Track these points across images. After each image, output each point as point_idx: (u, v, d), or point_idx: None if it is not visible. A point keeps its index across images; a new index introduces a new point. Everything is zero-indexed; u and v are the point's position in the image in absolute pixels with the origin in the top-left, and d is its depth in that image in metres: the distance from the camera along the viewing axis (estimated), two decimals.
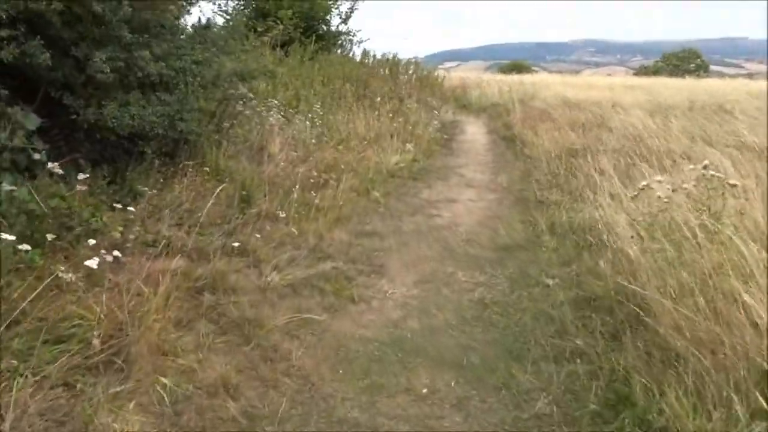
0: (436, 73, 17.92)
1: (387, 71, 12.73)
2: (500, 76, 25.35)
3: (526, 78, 22.93)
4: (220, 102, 6.39)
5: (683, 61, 64.79)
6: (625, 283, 3.08)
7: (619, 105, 11.00)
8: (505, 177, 6.96)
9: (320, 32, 13.72)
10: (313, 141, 7.43)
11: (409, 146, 8.31)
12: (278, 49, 10.90)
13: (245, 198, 5.14)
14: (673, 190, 3.11)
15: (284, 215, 4.88)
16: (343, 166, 6.49)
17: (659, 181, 3.16)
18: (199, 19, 6.71)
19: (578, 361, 2.76)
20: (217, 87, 6.14)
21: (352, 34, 15.42)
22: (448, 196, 6.22)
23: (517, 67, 49.77)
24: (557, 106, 11.46)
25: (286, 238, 4.50)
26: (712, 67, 72.68)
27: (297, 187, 5.37)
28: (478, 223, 5.28)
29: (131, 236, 4.09)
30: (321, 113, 8.67)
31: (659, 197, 3.12)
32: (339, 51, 14.87)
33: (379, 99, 10.41)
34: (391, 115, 9.56)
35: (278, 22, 11.80)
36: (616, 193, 4.48)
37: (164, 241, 4.15)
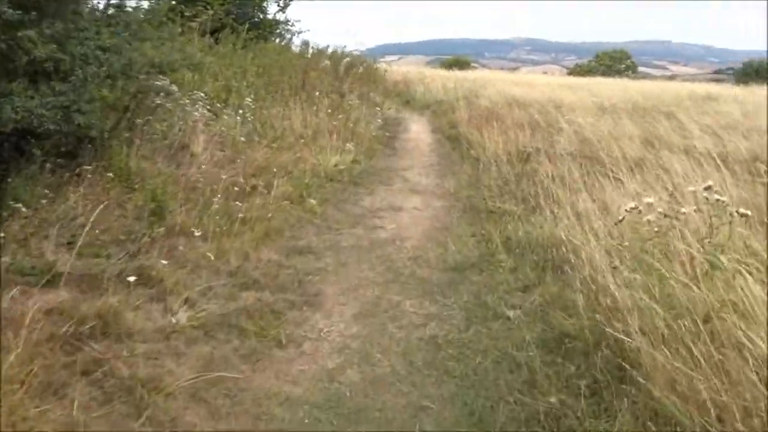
0: (377, 66, 17.36)
1: (328, 63, 12.03)
2: (443, 72, 25.07)
3: (469, 74, 22.73)
4: (134, 95, 5.58)
5: (615, 61, 67.24)
6: (604, 323, 2.60)
7: (564, 105, 10.78)
8: (452, 182, 6.47)
9: (255, 20, 12.87)
10: (243, 139, 6.69)
11: (349, 146, 7.69)
12: (208, 36, 10.02)
13: (156, 209, 4.38)
14: (665, 215, 2.65)
15: (201, 232, 4.17)
16: (275, 169, 5.80)
17: (649, 204, 2.69)
18: None
19: (556, 429, 2.25)
20: (130, 78, 5.35)
21: (290, 23, 14.63)
22: (392, 204, 5.65)
23: (458, 63, 49.96)
24: (502, 105, 11.12)
25: (202, 261, 3.80)
26: (640, 68, 75.51)
27: (219, 196, 4.66)
28: (426, 236, 4.73)
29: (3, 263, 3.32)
30: (253, 107, 7.91)
31: (648, 221, 2.65)
32: (278, 41, 14.08)
33: (318, 93, 9.72)
34: (330, 110, 8.90)
35: (208, 6, 10.89)
36: (582, 210, 4.04)
37: (47, 267, 3.39)
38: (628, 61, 67.02)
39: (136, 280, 3.44)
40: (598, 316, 2.65)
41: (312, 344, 2.99)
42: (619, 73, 60.27)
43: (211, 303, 3.28)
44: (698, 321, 2.24)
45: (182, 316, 3.04)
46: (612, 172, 5.40)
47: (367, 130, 8.84)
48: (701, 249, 2.42)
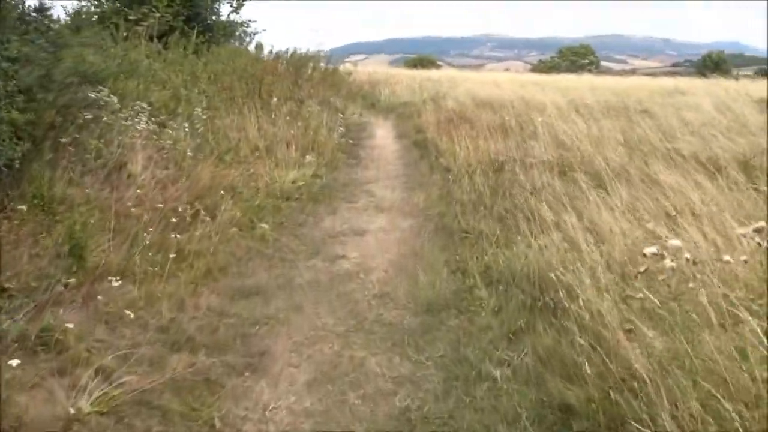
0: (342, 67, 16.67)
1: (286, 67, 11.34)
2: (408, 71, 24.59)
3: (434, 73, 22.26)
4: (59, 110, 4.89)
5: (578, 56, 67.98)
6: (619, 399, 2.07)
7: (536, 105, 10.36)
8: (421, 196, 5.90)
9: (208, 22, 12.14)
10: (191, 154, 6.01)
11: (309, 157, 7.08)
12: (155, 40, 9.30)
13: (76, 248, 3.71)
14: (694, 263, 2.13)
15: (129, 274, 3.52)
16: (223, 190, 5.16)
17: (677, 247, 2.15)
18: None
19: None
20: (51, 91, 4.68)
21: (245, 25, 13.92)
22: (356, 226, 5.06)
23: (423, 62, 49.61)
24: (471, 107, 10.63)
25: (126, 313, 3.15)
26: (602, 63, 76.17)
27: (153, 227, 4.01)
28: (394, 265, 4.16)
29: None
30: (204, 117, 7.24)
31: (672, 269, 2.12)
32: (237, 43, 13.40)
33: (275, 99, 9.07)
34: (289, 118, 8.26)
35: (154, 9, 10.13)
36: (570, 231, 3.52)
37: None
38: (591, 56, 67.82)
39: (38, 344, 2.82)
40: (611, 392, 2.11)
41: (254, 427, 2.39)
42: (582, 68, 60.90)
43: (130, 373, 2.65)
44: (747, 405, 1.73)
45: (85, 402, 2.39)
46: (598, 183, 4.93)
47: (329, 138, 8.24)
48: (750, 309, 1.90)
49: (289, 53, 12.36)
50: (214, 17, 12.54)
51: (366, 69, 24.64)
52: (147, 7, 10.20)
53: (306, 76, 11.12)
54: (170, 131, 6.37)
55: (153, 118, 6.29)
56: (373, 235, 4.82)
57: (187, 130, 6.52)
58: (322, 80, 11.51)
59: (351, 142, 9.14)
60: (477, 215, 4.93)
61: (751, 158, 5.55)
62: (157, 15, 9.78)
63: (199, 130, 6.84)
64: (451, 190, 5.85)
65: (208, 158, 6.00)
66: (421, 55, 55.78)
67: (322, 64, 13.14)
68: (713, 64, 60.66)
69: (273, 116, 8.44)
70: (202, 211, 4.51)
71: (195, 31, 10.57)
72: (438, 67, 49.16)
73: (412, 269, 4.02)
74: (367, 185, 6.54)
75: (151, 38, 9.05)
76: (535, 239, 3.85)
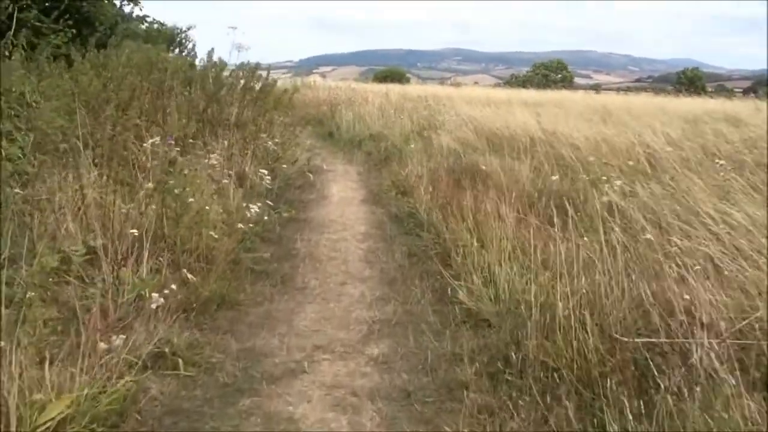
0: (300, 81, 12.72)
1: (188, 86, 7.30)
2: (378, 86, 20.80)
3: (410, 89, 18.48)
4: None
5: (552, 71, 66.07)
6: None
7: (585, 146, 6.58)
8: None
9: (80, 13, 8.17)
10: None
11: (158, 297, 3.11)
12: None
13: None
14: None
15: None
16: None
17: None
18: None
19: None
20: None
21: (150, 20, 10.00)
22: None
23: (392, 75, 46.25)
24: (479, 148, 6.83)
25: None
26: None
27: None
28: None
29: None
30: None
31: None
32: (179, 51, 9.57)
33: (151, 143, 5.06)
34: (152, 185, 4.27)
35: None
36: None
37: None
38: (565, 71, 65.74)
39: None
40: None
41: None
42: (555, 83, 58.62)
43: None
44: None
45: None
46: None
47: (235, 218, 4.28)
48: None
49: (206, 62, 8.25)
50: (92, 7, 8.56)
51: (329, 83, 20.86)
52: None
53: (224, 98, 7.09)
54: None
55: None
56: None
57: None
58: (251, 102, 7.49)
59: (285, 215, 5.20)
60: None
61: None
62: None
63: None
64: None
65: None
66: (391, 68, 52.48)
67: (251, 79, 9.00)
68: (687, 80, 59.22)
69: (141, 180, 4.49)
70: None
71: (66, 29, 6.82)
72: (407, 80, 46.04)
73: None
74: (300, 388, 2.60)
75: None
76: None
